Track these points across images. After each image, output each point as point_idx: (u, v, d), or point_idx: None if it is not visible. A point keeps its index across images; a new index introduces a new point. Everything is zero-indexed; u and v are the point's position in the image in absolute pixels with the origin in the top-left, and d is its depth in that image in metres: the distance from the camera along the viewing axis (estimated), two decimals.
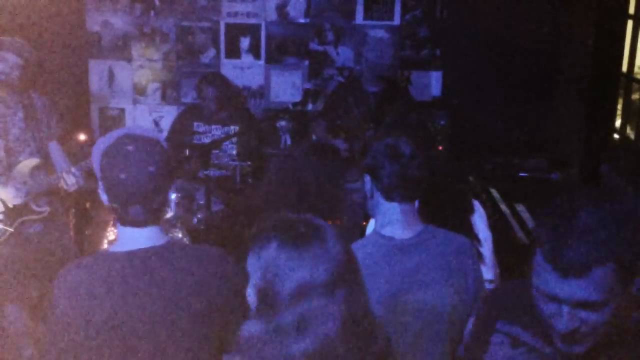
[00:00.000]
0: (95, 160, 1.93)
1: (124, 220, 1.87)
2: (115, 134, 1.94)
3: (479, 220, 2.78)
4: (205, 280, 1.87)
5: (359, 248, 1.91)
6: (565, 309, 1.36)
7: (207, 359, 1.89)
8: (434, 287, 2.00)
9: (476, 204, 2.82)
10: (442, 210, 2.56)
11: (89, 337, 1.79)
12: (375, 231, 2.08)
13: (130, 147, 1.83)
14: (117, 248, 1.89)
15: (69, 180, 3.47)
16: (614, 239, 1.32)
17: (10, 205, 3.51)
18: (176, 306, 1.82)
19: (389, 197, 2.04)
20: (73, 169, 3.49)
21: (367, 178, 2.06)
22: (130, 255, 1.85)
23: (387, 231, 2.05)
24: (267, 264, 1.41)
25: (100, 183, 1.89)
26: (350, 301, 1.39)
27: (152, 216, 1.87)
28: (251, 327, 1.40)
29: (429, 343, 2.03)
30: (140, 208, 1.84)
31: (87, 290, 1.80)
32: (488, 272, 2.80)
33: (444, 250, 2.05)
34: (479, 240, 2.70)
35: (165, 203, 1.92)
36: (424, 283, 2.01)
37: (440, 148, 4.81)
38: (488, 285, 2.82)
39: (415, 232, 2.06)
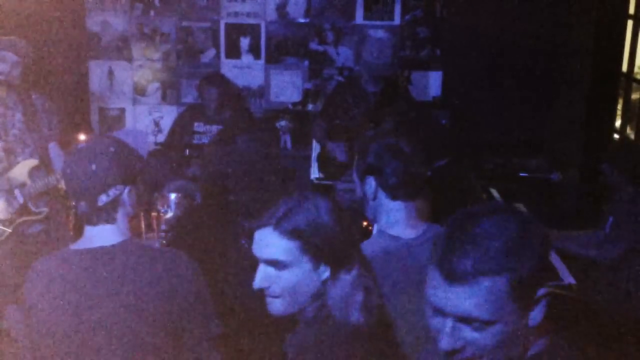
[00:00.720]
0: None
1: (81, 218, 1.94)
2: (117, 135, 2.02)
3: None
4: (157, 279, 1.87)
5: (366, 248, 1.91)
6: (449, 323, 1.24)
7: (169, 353, 1.90)
8: None
9: (521, 209, 2.84)
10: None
11: (50, 334, 1.84)
12: (380, 231, 2.08)
13: (81, 145, 1.93)
14: (77, 246, 1.94)
15: None
16: (512, 250, 1.20)
17: (3, 213, 3.51)
18: (125, 306, 1.84)
19: (394, 196, 2.04)
20: None
21: (370, 179, 2.05)
22: (86, 253, 1.89)
23: (393, 231, 2.05)
24: None
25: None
26: None
27: (100, 214, 1.90)
28: None
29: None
30: (85, 205, 1.89)
31: (48, 284, 1.85)
32: None
33: None
34: None
35: (117, 203, 1.92)
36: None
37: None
38: None
39: (421, 231, 2.06)
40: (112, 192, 1.90)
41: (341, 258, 1.61)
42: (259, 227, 1.61)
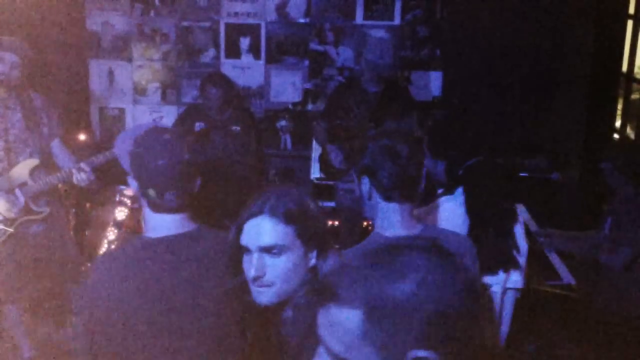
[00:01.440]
0: (123, 150, 2.02)
1: (158, 207, 1.94)
2: (139, 128, 2.09)
3: (520, 229, 2.83)
4: None
5: (362, 249, 1.91)
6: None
7: (236, 340, 1.94)
8: None
9: (519, 210, 2.89)
10: (491, 214, 2.64)
11: (125, 322, 1.84)
12: (376, 232, 2.08)
13: (166, 136, 1.93)
14: (149, 235, 1.96)
15: (80, 176, 3.45)
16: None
17: (5, 214, 3.50)
18: (205, 290, 1.88)
19: (388, 198, 2.03)
20: (82, 164, 3.46)
21: (366, 180, 2.05)
22: (164, 241, 1.92)
23: (388, 232, 2.04)
24: None
25: (132, 171, 1.97)
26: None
27: (184, 202, 1.95)
28: None
29: None
30: (174, 194, 1.92)
31: (122, 276, 1.86)
32: (519, 281, 2.84)
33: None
34: (519, 250, 2.75)
35: (194, 190, 2.00)
36: None
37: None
38: (516, 294, 2.87)
39: (417, 232, 2.06)
40: (198, 180, 1.99)
41: (326, 246, 1.68)
42: (252, 216, 1.65)
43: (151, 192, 1.92)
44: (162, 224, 1.95)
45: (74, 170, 3.47)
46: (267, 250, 1.62)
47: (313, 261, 1.66)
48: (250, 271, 1.62)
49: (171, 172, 1.90)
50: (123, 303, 1.83)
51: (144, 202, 1.98)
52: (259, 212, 1.64)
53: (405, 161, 2.01)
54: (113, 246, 4.34)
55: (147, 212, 1.97)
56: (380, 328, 1.02)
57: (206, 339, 1.89)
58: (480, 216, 2.71)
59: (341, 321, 1.04)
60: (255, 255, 1.63)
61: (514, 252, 2.79)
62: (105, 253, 1.96)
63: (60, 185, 3.76)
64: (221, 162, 4.63)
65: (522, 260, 2.83)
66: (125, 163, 2.01)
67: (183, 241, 1.93)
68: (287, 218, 1.62)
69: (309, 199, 1.70)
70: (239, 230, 1.66)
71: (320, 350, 1.08)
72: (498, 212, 2.76)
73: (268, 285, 1.63)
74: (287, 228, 1.62)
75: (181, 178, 1.92)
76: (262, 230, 1.62)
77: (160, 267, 1.88)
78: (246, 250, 1.65)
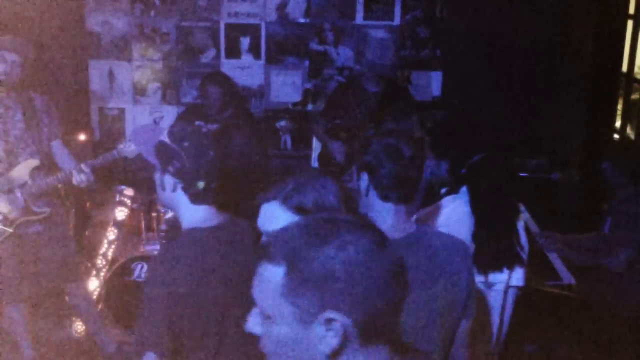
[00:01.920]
0: (148, 146, 2.02)
1: (202, 199, 2.00)
2: (147, 126, 2.14)
3: (522, 227, 2.83)
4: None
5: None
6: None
7: None
8: (426, 286, 1.99)
9: (522, 209, 2.91)
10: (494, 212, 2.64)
11: (205, 310, 1.89)
12: None
13: (204, 130, 2.07)
14: (198, 225, 2.00)
15: (79, 177, 3.46)
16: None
17: (6, 214, 3.50)
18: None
19: (385, 197, 2.02)
20: (82, 165, 3.47)
21: (365, 176, 2.05)
22: (218, 228, 2.00)
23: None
24: None
25: (172, 167, 1.97)
26: None
27: (217, 194, 2.04)
28: None
29: (421, 343, 2.02)
30: (216, 185, 2.01)
31: (193, 265, 1.90)
32: (520, 279, 2.84)
33: (437, 251, 2.04)
34: (522, 247, 2.76)
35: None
36: (416, 282, 2.00)
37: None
38: (517, 292, 2.87)
39: (408, 232, 2.05)
40: None
41: None
42: (266, 200, 1.67)
43: (201, 184, 1.97)
44: (206, 215, 2.01)
45: (74, 171, 3.47)
46: None
47: None
48: None
49: (216, 164, 2.00)
50: (198, 289, 1.88)
51: (180, 198, 2.00)
52: (273, 198, 1.66)
53: (407, 162, 2.00)
54: (122, 248, 4.35)
55: (186, 208, 2.01)
56: (300, 287, 1.11)
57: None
58: (485, 214, 2.71)
59: (268, 277, 1.14)
60: (263, 240, 1.66)
61: (519, 249, 2.79)
62: (163, 249, 2.01)
63: (60, 186, 3.75)
64: (242, 158, 4.64)
65: (524, 256, 2.84)
66: (154, 159, 2.03)
67: (230, 228, 2.02)
68: (299, 210, 1.63)
69: (335, 193, 1.68)
70: (257, 213, 1.70)
71: (254, 309, 1.19)
72: (503, 209, 2.76)
73: None
74: (296, 218, 1.61)
75: (220, 170, 2.02)
76: (272, 216, 1.64)
77: (224, 253, 1.95)
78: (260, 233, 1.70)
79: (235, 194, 3.93)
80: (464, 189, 2.78)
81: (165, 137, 2.00)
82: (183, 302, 1.87)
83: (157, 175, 2.03)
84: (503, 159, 2.84)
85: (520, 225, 2.86)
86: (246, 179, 4.52)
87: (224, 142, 4.61)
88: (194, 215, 2.01)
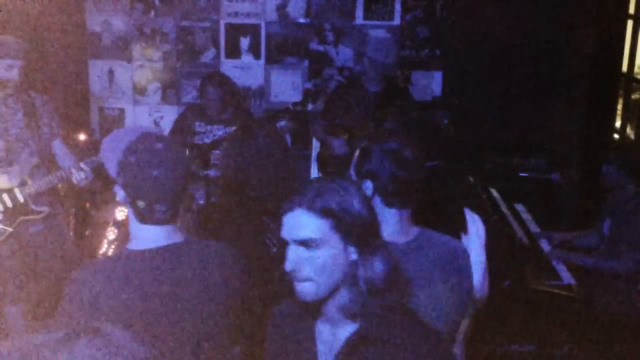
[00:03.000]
0: (110, 158, 1.93)
1: (146, 218, 1.86)
2: (125, 132, 1.99)
3: (474, 240, 2.69)
4: (225, 274, 1.91)
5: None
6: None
7: (224, 352, 1.94)
8: (432, 288, 2.00)
9: (472, 218, 2.74)
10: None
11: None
12: None
13: (159, 145, 1.84)
14: (136, 246, 1.89)
15: (79, 176, 3.46)
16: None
17: (4, 215, 3.50)
18: (199, 301, 1.85)
19: (390, 204, 2.02)
20: (82, 164, 3.47)
21: (368, 183, 2.03)
22: (152, 253, 1.86)
23: (386, 236, 2.03)
24: None
25: (120, 180, 1.88)
26: None
27: (174, 214, 1.89)
28: None
29: None
30: (165, 206, 1.85)
31: (108, 292, 1.79)
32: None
33: (440, 253, 2.05)
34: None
35: (182, 200, 1.94)
36: (424, 285, 2.01)
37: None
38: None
39: (414, 236, 2.05)
40: (190, 189, 1.92)
41: (368, 240, 1.63)
42: (289, 210, 1.63)
43: (140, 203, 1.85)
44: (149, 236, 1.88)
45: (73, 170, 3.47)
46: (303, 244, 1.59)
47: (354, 256, 1.61)
48: (286, 265, 1.60)
49: (163, 184, 1.82)
50: (108, 317, 1.76)
51: (130, 212, 1.90)
52: (297, 206, 1.61)
53: (411, 166, 1.99)
54: (102, 251, 4.34)
55: (134, 223, 1.90)
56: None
57: (192, 349, 1.86)
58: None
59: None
60: (292, 248, 1.60)
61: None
62: (88, 264, 1.89)
63: (60, 186, 3.75)
64: (267, 160, 4.61)
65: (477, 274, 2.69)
66: (112, 170, 1.93)
67: (168, 253, 1.86)
68: (325, 213, 1.59)
69: (357, 196, 1.64)
70: (280, 223, 1.64)
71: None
72: (444, 220, 2.64)
73: (306, 280, 1.60)
74: (324, 221, 1.59)
75: (173, 190, 1.84)
76: (298, 224, 1.60)
77: (145, 281, 1.81)
78: (286, 243, 1.63)
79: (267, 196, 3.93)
80: None
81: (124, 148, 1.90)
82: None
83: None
84: (468, 164, 2.75)
85: (474, 239, 2.70)
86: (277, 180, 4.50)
87: (249, 143, 4.58)
88: (137, 232, 1.90)
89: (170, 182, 1.83)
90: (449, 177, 2.70)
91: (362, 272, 1.61)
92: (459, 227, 2.58)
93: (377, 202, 2.03)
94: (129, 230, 1.96)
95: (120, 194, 1.89)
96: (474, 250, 2.60)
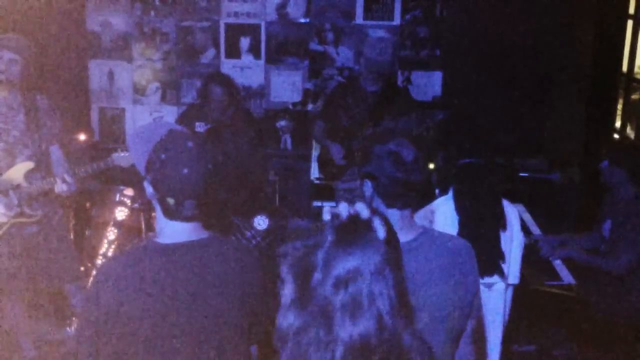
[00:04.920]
0: (139, 155, 1.95)
1: (175, 215, 1.90)
2: (152, 127, 2.05)
3: (510, 231, 2.78)
4: (245, 271, 1.95)
5: None
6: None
7: (241, 349, 1.97)
8: (435, 287, 2.00)
9: (509, 206, 2.83)
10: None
11: (134, 329, 1.82)
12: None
13: (189, 143, 1.87)
14: (163, 240, 1.92)
15: (61, 187, 3.48)
16: None
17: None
18: (219, 297, 1.88)
19: (390, 205, 2.02)
20: (66, 176, 3.48)
21: (368, 184, 2.04)
22: (177, 247, 1.89)
23: None
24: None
25: (149, 177, 1.90)
26: (398, 280, 1.43)
27: (201, 211, 1.92)
28: (290, 318, 1.40)
29: (429, 341, 2.03)
30: (194, 203, 1.88)
31: (133, 282, 1.83)
32: (516, 277, 2.83)
33: (443, 252, 2.05)
34: (502, 256, 2.71)
35: (210, 199, 1.96)
36: (426, 284, 2.01)
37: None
38: (513, 291, 2.85)
39: (415, 235, 2.05)
40: (216, 190, 1.96)
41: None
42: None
43: (170, 200, 1.87)
44: (176, 231, 1.91)
45: (57, 180, 3.47)
46: None
47: None
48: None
49: (193, 182, 1.86)
50: (130, 307, 1.81)
51: (158, 208, 1.93)
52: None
53: (410, 167, 1.98)
54: (122, 248, 4.34)
55: (161, 218, 1.93)
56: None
57: (211, 346, 1.89)
58: (467, 218, 2.68)
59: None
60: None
61: (497, 257, 2.74)
62: (114, 255, 1.92)
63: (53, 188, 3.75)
64: (233, 159, 4.61)
65: (517, 254, 2.80)
66: (141, 166, 1.95)
67: (194, 249, 1.90)
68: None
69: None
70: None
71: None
72: (484, 215, 2.71)
73: None
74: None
75: (202, 187, 1.88)
76: None
77: (170, 273, 1.85)
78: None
79: (234, 196, 3.93)
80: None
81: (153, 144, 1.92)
82: (113, 315, 1.81)
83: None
84: (490, 165, 2.80)
85: (507, 232, 2.79)
86: (246, 181, 4.51)
87: (220, 143, 4.60)
88: (164, 228, 1.93)
89: (199, 179, 1.86)
90: (484, 173, 2.76)
91: None
92: (498, 219, 2.69)
93: (378, 202, 2.03)
94: (155, 225, 1.99)
95: (149, 190, 1.93)
96: (516, 234, 2.70)
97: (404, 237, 2.03)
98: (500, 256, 2.71)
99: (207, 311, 1.87)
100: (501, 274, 2.71)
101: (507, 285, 2.79)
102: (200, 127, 4.95)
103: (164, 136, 1.90)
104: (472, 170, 2.74)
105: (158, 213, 1.94)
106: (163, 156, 1.86)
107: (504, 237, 2.73)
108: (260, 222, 2.66)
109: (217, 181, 1.94)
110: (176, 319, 1.84)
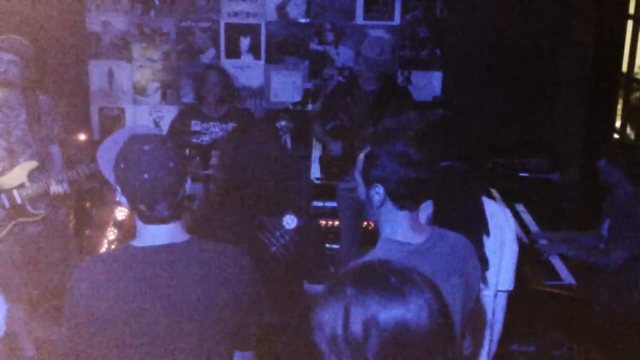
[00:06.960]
0: (106, 167, 1.93)
1: (150, 219, 1.87)
2: (117, 137, 1.97)
3: (509, 231, 2.66)
4: (226, 275, 1.90)
5: (378, 255, 1.90)
6: None
7: (223, 355, 1.93)
8: (450, 284, 2.00)
9: (503, 211, 2.72)
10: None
11: (109, 332, 1.80)
12: (388, 238, 2.05)
13: (146, 147, 1.82)
14: (138, 243, 1.89)
15: (56, 188, 3.53)
16: None
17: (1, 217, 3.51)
18: (198, 301, 1.84)
19: (402, 207, 2.01)
20: (60, 178, 3.53)
21: (379, 188, 2.02)
22: (153, 250, 1.86)
23: (401, 237, 2.03)
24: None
25: (117, 187, 1.87)
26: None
27: (175, 212, 1.89)
28: None
29: None
30: (166, 205, 1.85)
31: (108, 285, 1.80)
32: (509, 283, 2.71)
33: (453, 251, 2.07)
34: (485, 262, 2.51)
35: (184, 196, 1.92)
36: (442, 282, 2.00)
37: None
38: (507, 296, 2.75)
39: (427, 236, 2.05)
40: (186, 186, 1.90)
41: None
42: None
43: (141, 206, 1.84)
44: (154, 235, 1.88)
45: (52, 181, 3.49)
46: None
47: None
48: None
49: (158, 185, 1.80)
50: (105, 310, 1.78)
51: (135, 214, 1.91)
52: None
53: (419, 165, 1.99)
54: (102, 251, 4.34)
55: (139, 224, 1.91)
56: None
57: (189, 350, 1.86)
58: (444, 223, 2.53)
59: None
60: None
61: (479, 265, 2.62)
62: (91, 259, 1.89)
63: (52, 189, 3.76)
64: (262, 159, 4.59)
65: (510, 260, 2.70)
66: (111, 179, 1.92)
67: (172, 251, 1.86)
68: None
69: None
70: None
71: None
72: (463, 220, 2.58)
73: None
74: None
75: (169, 189, 1.82)
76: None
77: (146, 277, 1.82)
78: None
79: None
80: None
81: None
82: (90, 318, 1.79)
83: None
84: (470, 169, 2.71)
85: (488, 239, 2.69)
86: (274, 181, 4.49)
87: (246, 143, 4.58)
88: (142, 231, 1.90)
89: (164, 182, 1.81)
90: (466, 176, 2.65)
91: None
92: (479, 225, 2.57)
93: (389, 205, 2.02)
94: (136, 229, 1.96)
95: (122, 199, 1.89)
96: (509, 240, 2.62)
97: (417, 238, 2.03)
98: (483, 263, 2.51)
99: (184, 315, 1.83)
100: (484, 281, 2.56)
101: (497, 291, 2.72)
102: (196, 125, 4.93)
103: (123, 145, 1.86)
104: (451, 174, 2.67)
105: (137, 220, 1.91)
106: (122, 165, 1.83)
107: (491, 243, 2.59)
108: (289, 221, 2.62)
109: (183, 178, 1.88)
110: (152, 322, 1.81)
